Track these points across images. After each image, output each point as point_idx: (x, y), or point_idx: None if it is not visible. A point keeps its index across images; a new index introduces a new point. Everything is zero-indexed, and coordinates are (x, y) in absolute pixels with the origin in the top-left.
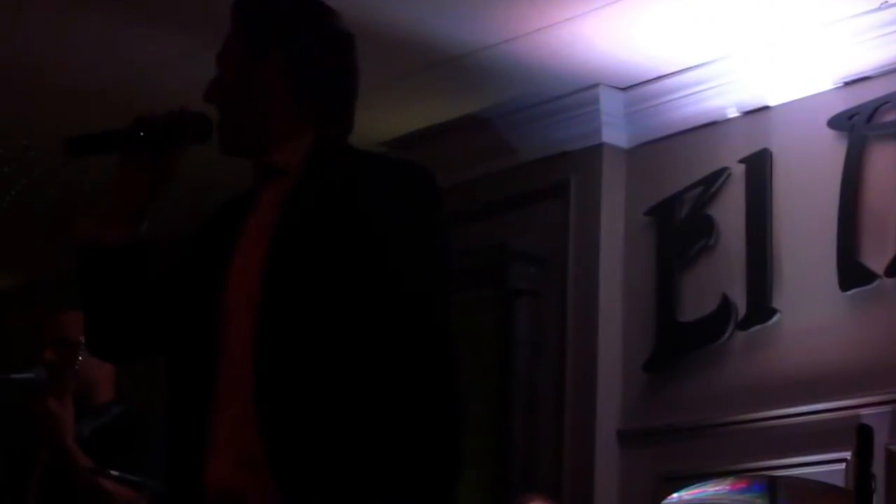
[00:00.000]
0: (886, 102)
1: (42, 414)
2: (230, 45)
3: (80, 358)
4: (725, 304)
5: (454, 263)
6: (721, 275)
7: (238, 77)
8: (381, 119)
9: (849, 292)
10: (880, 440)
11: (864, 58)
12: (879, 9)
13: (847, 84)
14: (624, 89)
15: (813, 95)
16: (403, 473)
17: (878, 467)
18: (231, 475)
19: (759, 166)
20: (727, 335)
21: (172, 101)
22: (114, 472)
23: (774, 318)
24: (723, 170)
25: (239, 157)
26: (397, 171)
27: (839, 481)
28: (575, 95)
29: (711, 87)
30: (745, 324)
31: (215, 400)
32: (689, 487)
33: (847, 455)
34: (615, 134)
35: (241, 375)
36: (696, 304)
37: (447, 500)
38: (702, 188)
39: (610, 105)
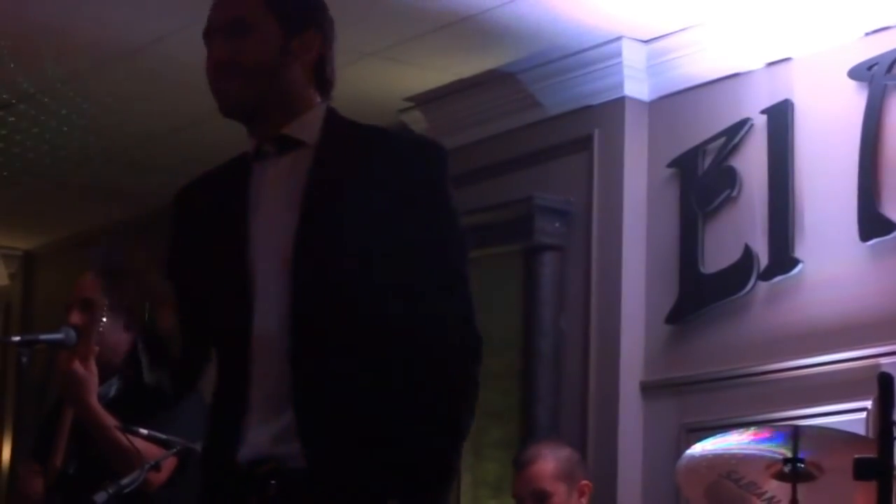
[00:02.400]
0: None
1: (67, 376)
2: (256, 21)
3: (104, 320)
4: (748, 255)
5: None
6: (743, 226)
7: (273, 54)
8: (406, 75)
9: (869, 242)
10: None
11: (886, 8)
12: None
13: (868, 34)
14: (646, 42)
15: (834, 46)
16: (423, 428)
17: None
18: (267, 444)
19: (781, 117)
20: (750, 286)
21: (192, 66)
22: (142, 430)
23: (796, 269)
24: (745, 121)
25: (240, 122)
26: (413, 143)
27: (861, 430)
28: (597, 49)
29: (733, 39)
30: (767, 274)
31: (251, 368)
32: (712, 438)
33: (868, 404)
34: (638, 87)
35: (276, 345)
36: (718, 255)
37: (462, 430)
38: (724, 139)
39: (632, 58)
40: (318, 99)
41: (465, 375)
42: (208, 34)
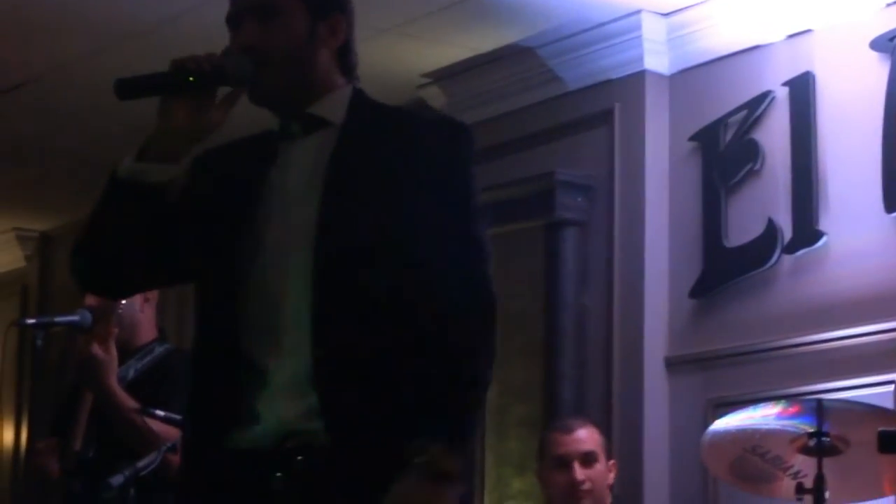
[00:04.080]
0: None
1: (86, 358)
2: (284, 6)
3: (123, 301)
4: (771, 228)
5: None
6: (767, 199)
7: (301, 40)
8: (424, 50)
9: (894, 213)
10: None
11: None
12: None
13: (889, 5)
14: (666, 15)
15: (855, 17)
16: (445, 391)
17: None
18: (290, 421)
19: (803, 89)
20: (774, 259)
21: (210, 43)
22: (159, 412)
23: (821, 241)
24: (766, 94)
25: (268, 109)
26: (436, 123)
27: (888, 403)
28: (617, 22)
29: (753, 11)
30: (791, 247)
31: (273, 345)
32: (737, 413)
33: (895, 376)
34: (658, 60)
35: (296, 322)
36: (742, 228)
37: (481, 389)
38: (746, 112)
39: (652, 31)
40: (344, 80)
41: (484, 336)
42: (234, 18)
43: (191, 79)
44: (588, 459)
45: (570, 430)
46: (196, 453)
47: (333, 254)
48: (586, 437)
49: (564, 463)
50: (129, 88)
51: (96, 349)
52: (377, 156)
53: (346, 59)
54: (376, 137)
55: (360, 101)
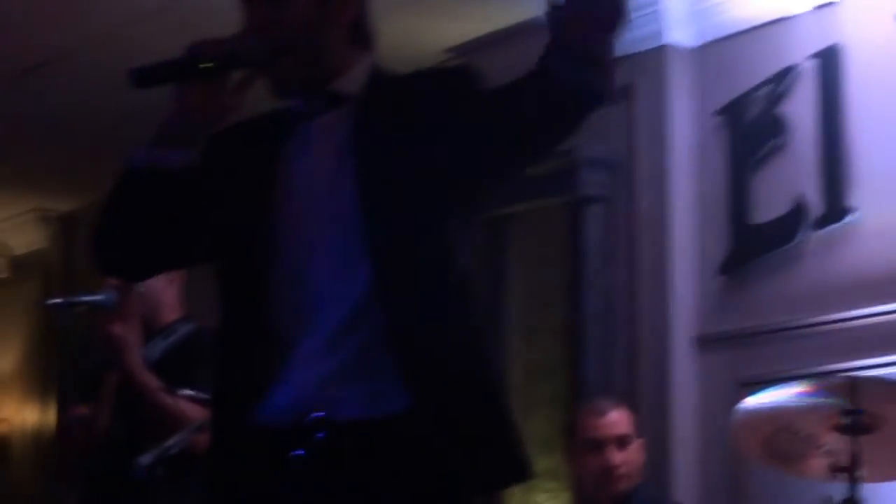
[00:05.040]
0: None
1: (109, 338)
2: None
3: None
4: (799, 205)
5: None
6: (794, 174)
7: (311, 19)
8: (445, 26)
9: None
10: None
11: None
12: None
13: None
14: None
15: None
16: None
17: None
18: (312, 391)
19: (830, 62)
20: (802, 236)
21: (228, 19)
22: (186, 391)
23: (849, 217)
24: (793, 67)
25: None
26: (445, 70)
27: None
28: None
29: None
30: (819, 223)
31: (299, 322)
32: (768, 391)
33: None
34: (681, 33)
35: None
36: (769, 205)
37: None
38: (772, 86)
39: (675, 3)
40: (361, 54)
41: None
42: None
43: (203, 65)
44: (623, 442)
45: (602, 413)
46: (223, 432)
47: (376, 222)
48: (619, 419)
49: (598, 446)
50: (144, 77)
51: (119, 328)
52: (399, 121)
53: (360, 32)
54: (395, 104)
55: (378, 73)
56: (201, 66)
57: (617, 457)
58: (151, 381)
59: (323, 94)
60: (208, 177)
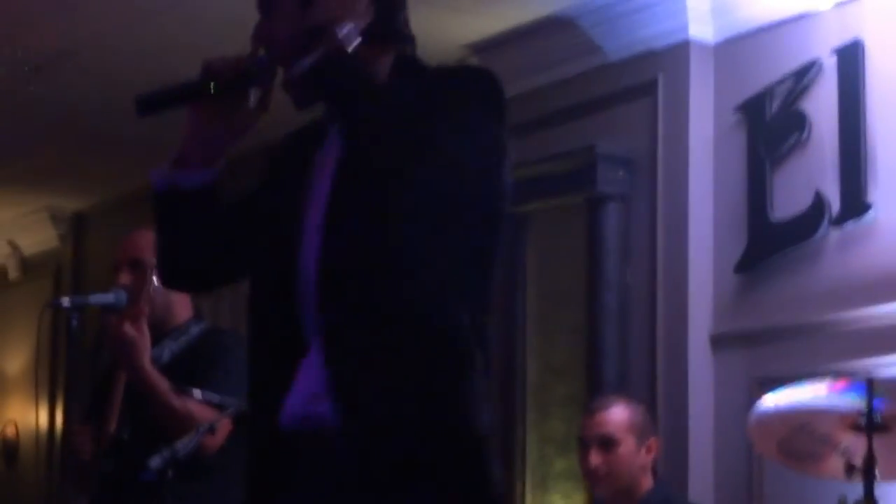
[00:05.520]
0: None
1: (118, 339)
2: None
3: (155, 281)
4: (819, 201)
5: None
6: (814, 171)
7: (295, 31)
8: (463, 22)
9: None
10: None
11: None
12: None
13: None
14: None
15: None
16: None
17: None
18: (304, 407)
19: (851, 58)
20: (821, 232)
21: (241, 14)
22: (196, 393)
23: (869, 214)
24: (813, 62)
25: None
26: (448, 76)
27: None
28: None
29: None
30: (839, 220)
31: (295, 335)
32: (786, 390)
33: None
34: (702, 29)
35: (312, 309)
36: (788, 201)
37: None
38: (792, 82)
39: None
40: (379, 54)
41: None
42: (258, 6)
43: (212, 88)
44: (606, 443)
45: (591, 413)
46: (253, 433)
47: (334, 241)
48: (608, 418)
49: (585, 445)
50: (150, 104)
51: (128, 329)
52: (388, 131)
53: (375, 30)
54: (393, 109)
55: (398, 72)
56: (208, 89)
57: (595, 458)
58: (161, 382)
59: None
60: (264, 188)
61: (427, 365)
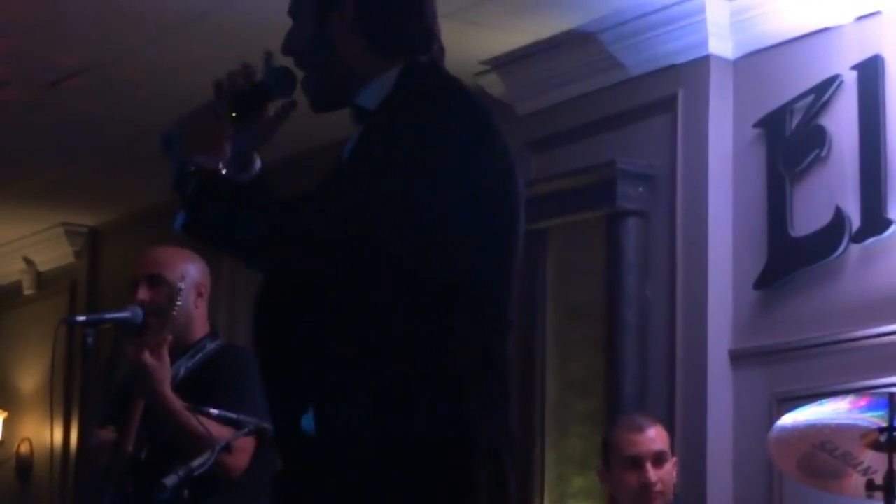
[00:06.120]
0: None
1: (137, 367)
2: (299, 8)
3: (179, 303)
4: (839, 217)
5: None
6: (834, 186)
7: (312, 39)
8: (483, 37)
9: None
10: None
11: None
12: None
13: None
14: None
15: None
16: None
17: None
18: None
19: (872, 73)
20: (841, 249)
21: (257, 31)
22: (213, 411)
23: (890, 230)
24: (834, 78)
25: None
26: (417, 92)
27: None
28: (680, 6)
29: None
30: (859, 236)
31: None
32: (805, 407)
33: None
34: (722, 44)
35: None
36: (808, 217)
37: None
38: (812, 97)
39: (716, 14)
40: (387, 62)
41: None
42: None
43: (233, 116)
44: (659, 459)
45: (641, 430)
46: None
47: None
48: (657, 435)
49: (637, 463)
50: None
51: (148, 359)
52: (356, 157)
53: (383, 40)
54: (380, 124)
55: (402, 83)
56: (231, 116)
57: (654, 474)
58: (178, 404)
59: (353, 107)
60: None
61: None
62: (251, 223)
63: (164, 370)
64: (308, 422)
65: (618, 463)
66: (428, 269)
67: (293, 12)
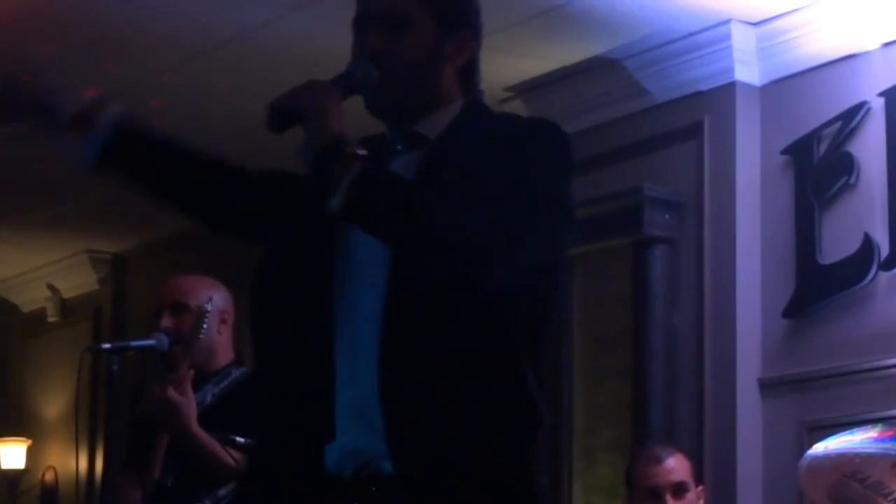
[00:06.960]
0: None
1: (162, 403)
2: (416, 19)
3: (203, 328)
4: (868, 244)
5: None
6: (863, 213)
7: (426, 55)
8: (507, 63)
9: None
10: None
11: None
12: None
13: None
14: (756, 24)
15: None
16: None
17: None
18: (360, 441)
19: None
20: (870, 276)
21: (277, 61)
22: (239, 440)
23: None
24: (861, 104)
25: (381, 119)
26: (523, 125)
27: None
28: (706, 32)
29: (847, 19)
30: (888, 264)
31: (339, 368)
32: (835, 436)
33: None
34: (748, 71)
35: (367, 346)
36: (836, 245)
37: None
38: (840, 124)
39: (742, 41)
40: (461, 97)
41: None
42: (361, 21)
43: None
44: (679, 490)
45: (659, 461)
46: (283, 475)
47: (402, 288)
48: (676, 466)
49: (656, 495)
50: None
51: (172, 393)
52: (459, 167)
53: (468, 75)
54: (463, 151)
55: (468, 114)
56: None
57: None
58: (204, 437)
59: (407, 133)
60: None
61: (492, 418)
62: (427, 209)
63: (190, 406)
64: (386, 464)
65: (639, 494)
66: (543, 297)
67: (396, 20)
